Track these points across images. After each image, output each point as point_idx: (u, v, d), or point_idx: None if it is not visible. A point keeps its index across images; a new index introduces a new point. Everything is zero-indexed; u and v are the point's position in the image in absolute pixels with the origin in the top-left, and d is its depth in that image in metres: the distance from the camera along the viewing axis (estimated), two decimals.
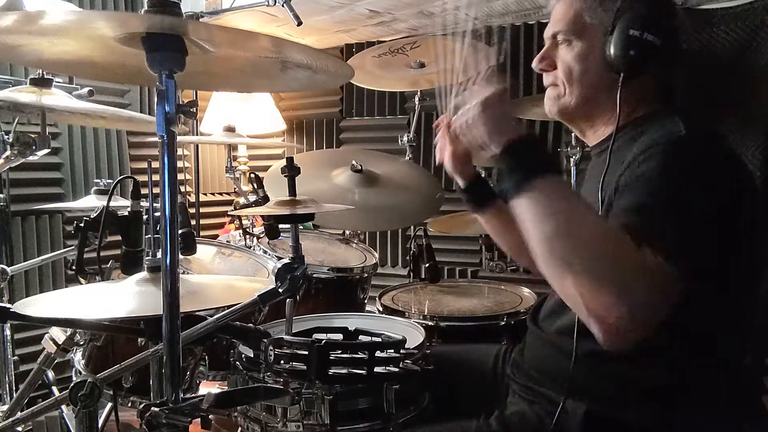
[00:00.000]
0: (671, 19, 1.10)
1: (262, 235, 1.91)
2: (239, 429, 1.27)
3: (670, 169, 0.97)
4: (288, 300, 1.21)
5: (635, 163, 0.99)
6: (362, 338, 1.16)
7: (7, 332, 1.78)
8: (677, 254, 0.89)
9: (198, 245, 1.44)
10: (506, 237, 1.46)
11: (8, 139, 1.46)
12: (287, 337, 1.10)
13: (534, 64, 1.21)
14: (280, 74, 1.02)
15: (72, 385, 0.93)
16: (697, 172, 0.97)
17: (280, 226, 1.75)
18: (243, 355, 1.25)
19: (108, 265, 1.41)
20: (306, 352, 1.04)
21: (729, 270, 0.99)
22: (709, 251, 0.94)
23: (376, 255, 2.05)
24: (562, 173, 1.01)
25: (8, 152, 1.47)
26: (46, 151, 1.51)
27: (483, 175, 1.57)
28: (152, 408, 0.88)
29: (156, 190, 0.92)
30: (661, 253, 0.88)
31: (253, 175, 1.76)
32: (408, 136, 2.36)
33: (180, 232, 0.92)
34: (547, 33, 1.19)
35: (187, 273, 1.53)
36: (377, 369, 1.05)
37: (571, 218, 0.94)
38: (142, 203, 1.33)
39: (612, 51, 1.07)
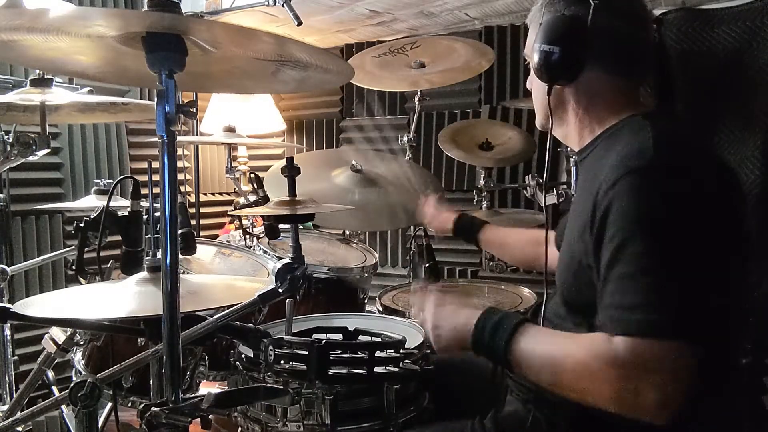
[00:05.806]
0: (576, 28, 1.06)
1: (262, 235, 1.90)
2: (239, 429, 1.27)
3: (650, 233, 0.91)
4: (288, 300, 1.21)
5: (608, 196, 0.95)
6: (362, 338, 1.16)
7: (7, 332, 1.78)
8: (687, 332, 0.87)
9: (198, 245, 1.45)
10: (505, 252, 1.68)
11: (8, 139, 1.46)
12: (287, 337, 1.10)
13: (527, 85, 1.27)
14: (280, 75, 1.02)
15: (72, 385, 0.93)
16: (680, 223, 0.91)
17: (280, 226, 1.75)
18: (243, 355, 1.25)
19: (108, 265, 1.41)
20: (306, 352, 1.04)
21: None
22: (715, 301, 0.91)
23: (376, 255, 2.05)
24: (526, 322, 1.02)
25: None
26: (46, 151, 1.50)
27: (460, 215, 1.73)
28: (152, 408, 0.88)
29: (156, 190, 0.92)
30: (668, 339, 0.87)
31: (253, 175, 1.76)
32: (408, 136, 2.36)
33: (180, 232, 0.92)
34: None
35: (187, 273, 1.53)
36: (377, 369, 1.04)
37: (557, 370, 0.96)
38: (142, 203, 1.33)
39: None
